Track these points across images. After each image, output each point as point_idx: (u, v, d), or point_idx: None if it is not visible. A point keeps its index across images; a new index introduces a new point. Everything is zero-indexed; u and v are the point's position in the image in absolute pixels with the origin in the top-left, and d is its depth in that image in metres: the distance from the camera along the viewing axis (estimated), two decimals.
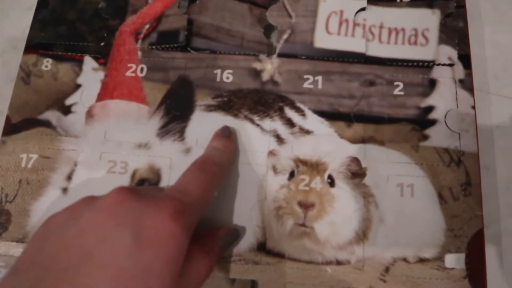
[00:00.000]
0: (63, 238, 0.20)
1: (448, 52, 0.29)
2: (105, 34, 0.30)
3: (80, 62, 0.29)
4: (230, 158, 0.26)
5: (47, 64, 0.30)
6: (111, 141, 0.27)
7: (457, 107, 0.28)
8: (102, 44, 0.30)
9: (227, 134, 0.27)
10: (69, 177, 0.27)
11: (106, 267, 0.18)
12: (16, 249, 0.26)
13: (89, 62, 0.29)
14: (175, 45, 0.29)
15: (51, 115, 0.28)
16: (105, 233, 0.20)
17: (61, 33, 0.30)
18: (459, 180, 0.26)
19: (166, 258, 0.19)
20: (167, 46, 0.29)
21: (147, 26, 0.30)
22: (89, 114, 0.28)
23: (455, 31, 0.29)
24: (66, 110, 0.28)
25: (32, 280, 0.18)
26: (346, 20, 0.29)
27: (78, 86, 0.29)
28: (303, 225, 0.25)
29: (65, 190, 0.27)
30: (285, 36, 0.29)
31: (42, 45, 0.30)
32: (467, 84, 0.28)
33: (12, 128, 0.28)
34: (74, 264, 0.19)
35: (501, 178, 0.28)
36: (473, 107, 0.28)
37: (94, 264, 0.18)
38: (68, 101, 0.29)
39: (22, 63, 0.29)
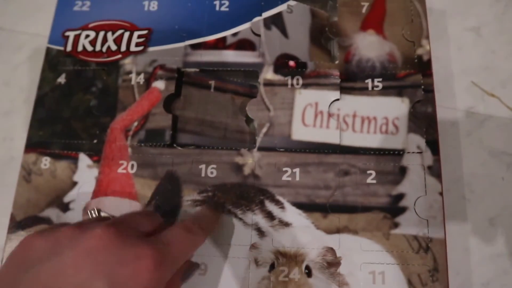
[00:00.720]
0: (40, 275, 0.21)
1: (417, 141, 0.31)
2: (97, 132, 0.32)
3: (75, 160, 0.32)
4: (214, 227, 0.29)
5: (45, 162, 0.32)
6: None
7: (426, 193, 0.30)
8: (95, 141, 0.32)
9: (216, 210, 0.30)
10: None
11: None
12: None
13: (83, 159, 0.32)
14: (162, 143, 0.32)
15: (51, 212, 0.31)
16: (82, 278, 0.21)
17: (57, 131, 0.33)
18: (427, 266, 0.29)
19: None
20: (154, 143, 0.32)
21: (135, 124, 0.32)
22: (86, 212, 0.31)
23: (423, 118, 0.31)
24: (65, 207, 0.31)
25: None
26: (321, 112, 0.32)
27: (74, 184, 0.32)
28: None
29: None
30: (264, 130, 0.31)
31: (40, 143, 0.33)
32: (435, 170, 0.30)
33: (16, 226, 0.31)
34: None
35: None
36: (441, 194, 0.30)
37: None
38: (66, 199, 0.31)
39: (23, 162, 0.32)
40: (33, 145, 0.33)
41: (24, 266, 0.22)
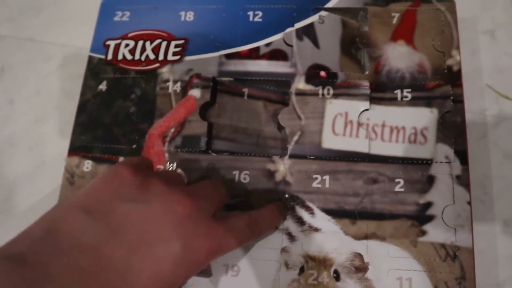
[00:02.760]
0: (131, 214, 0.23)
1: (445, 151, 0.32)
2: (136, 137, 0.35)
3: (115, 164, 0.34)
4: (269, 230, 0.31)
5: (87, 165, 0.35)
6: None
7: (454, 203, 0.31)
8: (134, 146, 0.35)
9: (281, 213, 0.31)
10: None
11: (149, 269, 0.22)
12: None
13: None
14: (197, 149, 0.33)
15: None
16: (163, 234, 0.23)
17: (98, 136, 0.35)
18: (454, 274, 0.30)
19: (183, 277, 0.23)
20: (190, 149, 0.34)
21: (172, 130, 0.34)
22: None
23: (452, 128, 0.32)
24: None
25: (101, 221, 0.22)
26: (351, 121, 0.33)
27: None
28: None
29: None
30: (295, 138, 0.33)
31: (83, 147, 0.35)
32: (463, 179, 0.31)
33: None
34: (125, 246, 0.22)
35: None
36: (469, 203, 0.31)
37: (141, 257, 0.22)
38: None
39: (66, 165, 0.35)
40: (76, 149, 0.35)
41: (118, 196, 0.23)
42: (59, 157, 0.35)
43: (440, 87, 0.33)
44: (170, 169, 0.30)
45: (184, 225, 0.23)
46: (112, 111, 0.36)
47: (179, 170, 0.31)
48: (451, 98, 0.33)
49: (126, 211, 0.23)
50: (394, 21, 0.36)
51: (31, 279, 0.19)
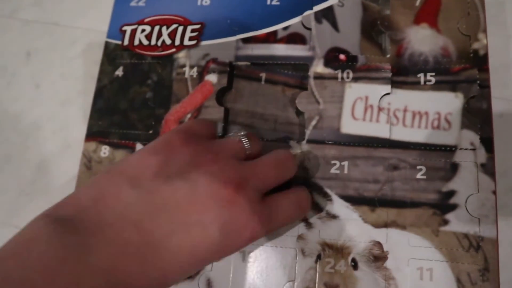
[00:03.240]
0: (178, 191, 0.23)
1: (471, 137, 0.31)
2: (153, 122, 0.35)
3: (132, 149, 0.34)
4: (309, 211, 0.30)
5: (105, 151, 0.35)
6: None
7: (478, 191, 0.30)
8: (150, 132, 0.34)
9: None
10: None
11: (187, 250, 0.23)
12: None
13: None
14: None
15: None
16: (206, 216, 0.23)
17: (115, 121, 0.35)
18: (477, 266, 0.29)
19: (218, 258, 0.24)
20: None
21: (189, 115, 0.34)
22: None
23: (478, 114, 0.31)
24: None
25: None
26: (371, 106, 0.32)
27: None
28: None
29: None
30: (313, 123, 0.32)
31: (100, 133, 0.35)
32: (488, 168, 0.30)
33: None
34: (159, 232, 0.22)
35: None
36: (494, 192, 0.30)
37: (181, 239, 0.22)
38: None
39: (84, 150, 0.35)
40: (93, 134, 0.36)
41: (165, 171, 0.24)
42: (83, 140, 0.35)
43: (466, 71, 0.32)
44: (235, 135, 0.28)
45: (227, 211, 0.23)
46: (129, 97, 0.36)
47: (241, 133, 0.28)
48: (478, 82, 0.31)
49: (171, 190, 0.23)
50: (417, 3, 0.34)
51: (79, 245, 0.20)
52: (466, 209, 0.30)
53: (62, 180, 0.39)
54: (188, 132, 0.26)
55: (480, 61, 0.32)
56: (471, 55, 0.32)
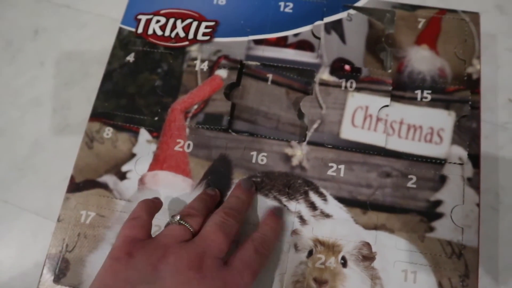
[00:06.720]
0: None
1: (459, 153, 0.33)
2: (159, 110, 0.36)
3: (136, 133, 0.35)
4: (276, 241, 0.32)
5: (108, 132, 0.36)
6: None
7: (463, 203, 0.32)
8: (156, 118, 0.36)
9: (279, 218, 0.32)
10: None
11: None
12: None
13: (144, 134, 0.35)
14: (219, 127, 0.35)
15: (109, 179, 0.34)
16: None
17: (121, 105, 0.36)
18: (458, 272, 0.31)
19: None
20: (212, 127, 0.35)
21: (195, 106, 0.35)
22: (141, 182, 0.34)
23: (468, 132, 0.34)
24: (122, 176, 0.34)
25: None
26: (370, 115, 0.34)
27: (133, 155, 0.35)
28: None
29: None
30: (315, 126, 0.34)
31: (105, 114, 0.36)
32: (474, 182, 0.33)
33: (75, 187, 0.34)
34: None
35: None
36: (478, 205, 0.32)
37: None
38: (124, 168, 0.35)
39: (87, 129, 0.36)
40: (97, 115, 0.36)
41: (129, 283, 0.25)
42: (83, 121, 0.36)
43: (459, 92, 0.35)
44: (173, 221, 0.29)
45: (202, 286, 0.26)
46: (138, 83, 0.37)
47: (177, 218, 0.30)
48: (470, 103, 0.34)
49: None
50: (420, 26, 0.37)
51: None
52: (451, 219, 0.32)
53: (57, 158, 0.39)
54: (129, 240, 0.27)
55: (473, 84, 0.35)
56: (465, 78, 0.35)
